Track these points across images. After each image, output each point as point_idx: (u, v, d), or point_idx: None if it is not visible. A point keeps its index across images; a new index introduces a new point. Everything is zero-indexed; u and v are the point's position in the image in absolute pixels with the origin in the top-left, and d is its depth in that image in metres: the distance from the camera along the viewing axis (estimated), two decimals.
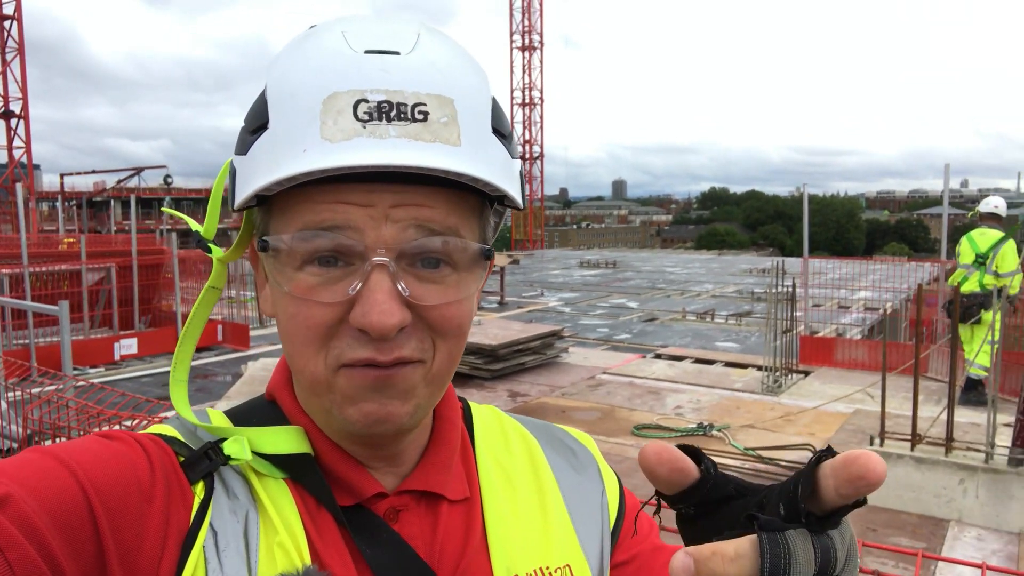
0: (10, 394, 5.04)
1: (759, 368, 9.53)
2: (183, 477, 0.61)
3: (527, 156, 49.36)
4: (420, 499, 0.69)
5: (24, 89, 34.24)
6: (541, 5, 47.78)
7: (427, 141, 0.56)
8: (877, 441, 5.62)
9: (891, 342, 10.69)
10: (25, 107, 34.34)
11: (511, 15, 47.76)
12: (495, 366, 9.45)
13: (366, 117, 0.55)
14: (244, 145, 0.61)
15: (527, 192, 49.38)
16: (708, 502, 0.47)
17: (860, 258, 14.80)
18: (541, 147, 49.86)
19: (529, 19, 47.74)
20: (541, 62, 48.44)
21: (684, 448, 0.47)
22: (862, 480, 0.40)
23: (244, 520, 0.61)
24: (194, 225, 0.71)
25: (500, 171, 0.61)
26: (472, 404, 0.82)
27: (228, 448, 0.63)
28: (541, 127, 49.43)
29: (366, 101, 0.55)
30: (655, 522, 0.81)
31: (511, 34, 48.14)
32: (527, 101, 48.63)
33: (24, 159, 34.49)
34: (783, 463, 6.20)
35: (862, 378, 9.38)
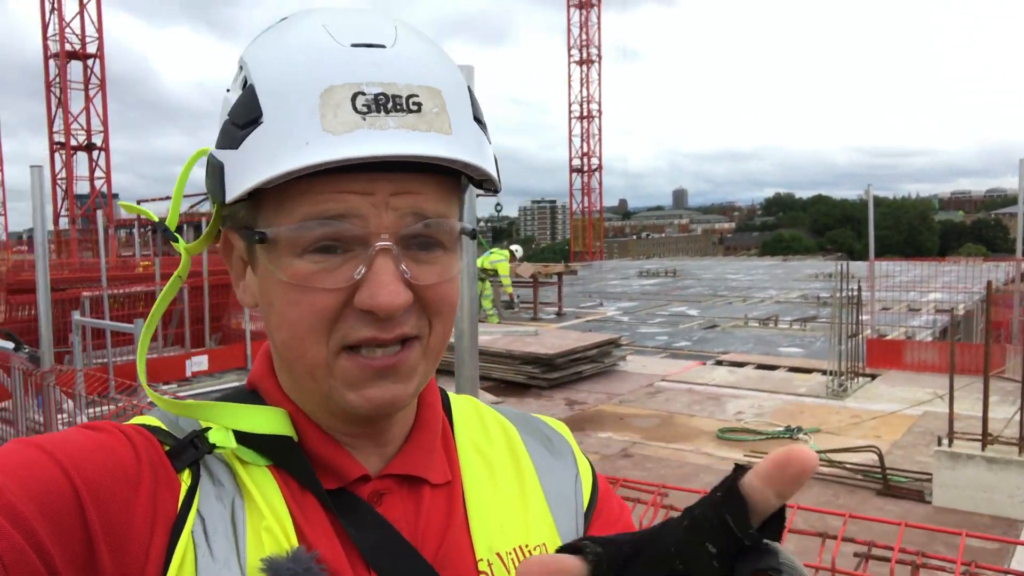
0: (90, 409, 5.33)
1: (824, 372, 9.31)
2: (168, 466, 0.62)
3: (585, 168, 49.34)
4: (403, 483, 0.70)
5: (105, 123, 36.06)
6: (599, 19, 47.88)
7: (423, 131, 0.59)
8: (945, 442, 5.45)
9: (964, 343, 10.30)
10: (106, 140, 36.15)
11: (568, 30, 48.02)
12: (552, 375, 9.48)
13: (365, 109, 0.57)
14: (233, 139, 0.61)
15: (585, 204, 49.42)
16: None
17: (931, 259, 14.29)
18: (600, 159, 49.78)
19: (587, 33, 47.88)
20: (599, 75, 48.47)
21: (562, 547, 0.45)
22: (804, 474, 0.40)
23: (231, 506, 0.62)
24: (154, 217, 0.72)
25: (484, 156, 0.64)
26: (450, 393, 0.84)
27: (213, 437, 0.65)
28: (600, 139, 49.38)
29: (363, 94, 0.57)
30: (627, 506, 0.86)
31: (568, 48, 48.35)
32: (585, 114, 48.67)
33: (104, 189, 36.26)
34: (849, 465, 6.05)
35: (932, 381, 9.07)
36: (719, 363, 11.10)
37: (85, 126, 35.53)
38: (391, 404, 0.64)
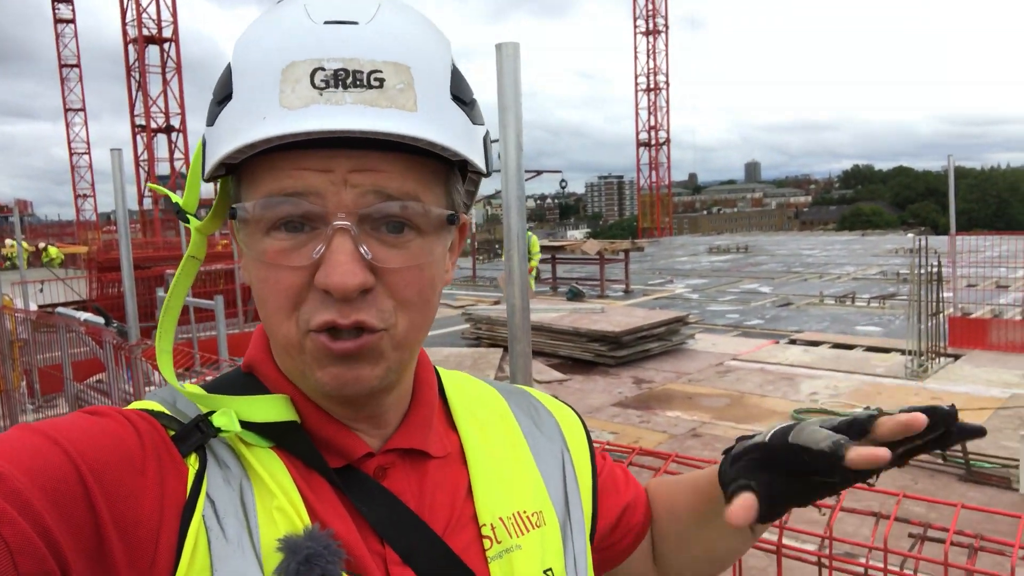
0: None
1: (903, 352, 8.98)
2: (174, 450, 0.62)
3: (652, 142, 48.52)
4: (405, 456, 0.72)
5: (182, 105, 37.31)
6: None
7: (382, 107, 0.57)
8: None
9: None
10: (183, 121, 37.44)
11: (634, 0, 47.01)
12: (619, 353, 9.43)
13: (323, 85, 0.57)
14: (212, 117, 0.62)
15: (653, 179, 48.65)
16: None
17: (1021, 232, 13.53)
18: (668, 132, 48.85)
19: (653, 2, 46.83)
20: (666, 45, 47.41)
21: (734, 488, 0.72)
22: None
23: (239, 489, 0.63)
24: (174, 198, 0.71)
25: (459, 136, 0.62)
26: (441, 370, 0.85)
27: (217, 420, 0.65)
28: (667, 112, 48.43)
29: (323, 69, 0.57)
30: (609, 457, 0.93)
31: (634, 19, 47.43)
32: (652, 86, 47.76)
33: (184, 169, 37.58)
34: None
35: (1020, 361, 8.65)
36: (792, 342, 10.83)
37: (163, 109, 36.85)
38: (356, 383, 0.63)
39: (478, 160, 0.65)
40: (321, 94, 0.57)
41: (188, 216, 0.69)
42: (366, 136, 0.57)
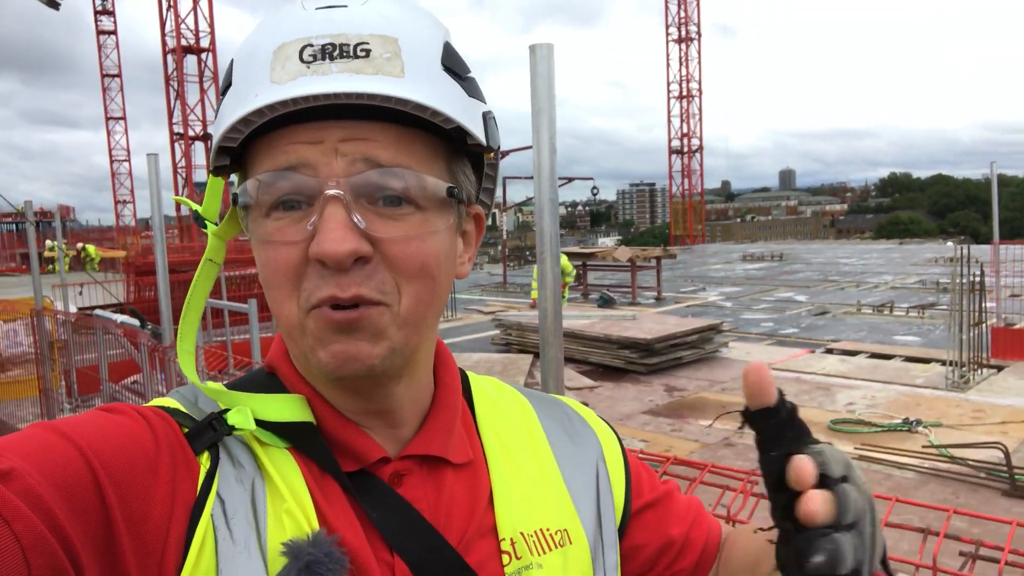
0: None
1: (944, 363, 8.75)
2: (188, 448, 0.62)
3: (685, 150, 48.21)
4: (423, 463, 0.70)
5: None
6: None
7: (368, 74, 0.58)
8: None
9: None
10: None
11: (666, 7, 46.84)
12: (650, 360, 9.34)
13: (310, 59, 0.58)
14: (218, 108, 0.64)
15: (686, 186, 48.32)
16: (775, 435, 0.57)
17: None
18: (700, 139, 48.50)
19: (685, 9, 46.60)
20: (699, 52, 47.13)
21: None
22: (797, 482, 0.53)
23: (251, 489, 0.62)
24: (193, 206, 0.71)
25: (451, 103, 0.61)
26: (470, 374, 0.83)
27: (232, 418, 0.64)
28: (700, 119, 48.09)
29: (311, 45, 0.58)
30: (655, 473, 0.88)
31: (666, 27, 47.22)
32: (684, 94, 47.49)
33: None
34: (972, 462, 5.68)
35: None
36: (829, 351, 10.63)
37: (201, 117, 37.49)
38: (356, 359, 0.62)
39: (475, 130, 0.64)
40: (309, 67, 0.58)
41: (206, 222, 0.69)
42: (351, 102, 0.58)
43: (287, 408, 0.67)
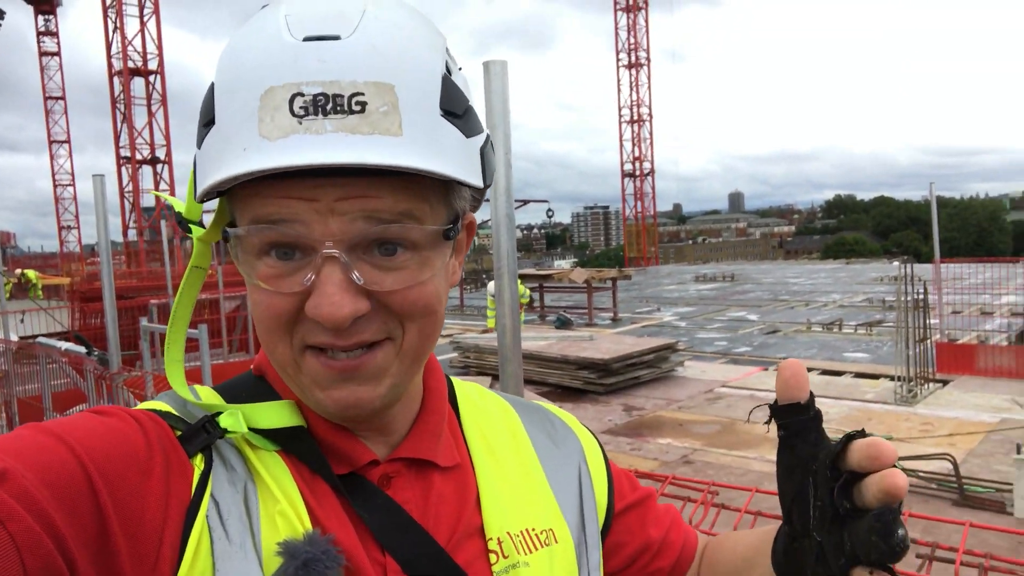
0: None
1: (892, 378, 8.99)
2: (181, 450, 0.62)
3: (637, 173, 48.97)
4: (411, 466, 0.71)
5: (167, 137, 37.29)
6: (647, 22, 47.51)
7: (365, 134, 0.55)
8: None
9: None
10: (169, 153, 37.36)
11: (616, 34, 47.76)
12: (608, 380, 9.38)
13: (302, 112, 0.54)
14: (199, 138, 0.61)
15: (639, 209, 49.02)
16: (801, 431, 0.60)
17: (1004, 260, 13.68)
18: (652, 163, 49.32)
19: (635, 36, 47.57)
20: (648, 78, 48.07)
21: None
22: (876, 460, 0.56)
23: (243, 491, 0.62)
24: (178, 206, 0.68)
25: (451, 157, 0.59)
26: (455, 379, 0.84)
27: (224, 422, 0.64)
28: (651, 143, 48.94)
29: (302, 95, 0.54)
30: (635, 478, 0.90)
31: (617, 53, 48.10)
32: (635, 118, 48.32)
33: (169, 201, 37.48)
34: (922, 474, 5.82)
35: (1008, 387, 8.68)
36: None
37: (149, 141, 36.77)
38: (356, 406, 0.62)
39: (473, 177, 0.61)
40: (300, 123, 0.54)
41: (190, 226, 0.68)
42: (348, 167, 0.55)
43: (278, 415, 0.67)
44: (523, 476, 0.77)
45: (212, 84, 0.60)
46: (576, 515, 0.78)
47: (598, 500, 0.82)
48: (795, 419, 0.60)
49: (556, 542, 0.74)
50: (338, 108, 0.54)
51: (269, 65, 0.55)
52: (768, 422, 0.62)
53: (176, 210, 0.68)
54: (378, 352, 0.62)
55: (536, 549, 0.72)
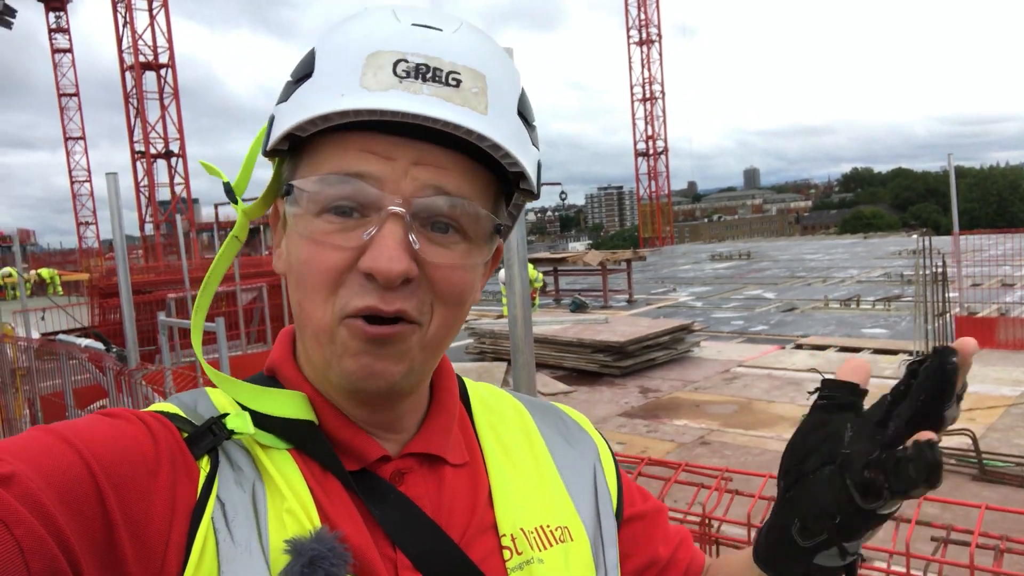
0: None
1: (911, 354, 8.91)
2: (187, 452, 0.62)
3: (650, 152, 48.62)
4: (423, 462, 0.71)
5: (181, 130, 37.46)
6: None
7: (457, 104, 0.59)
8: None
9: None
10: (182, 147, 37.55)
11: (627, 11, 47.24)
12: (624, 363, 9.38)
13: (404, 75, 0.59)
14: (287, 94, 0.64)
15: (653, 188, 48.71)
16: (844, 405, 0.64)
17: None
18: (665, 141, 48.93)
19: (645, 12, 47.05)
20: (660, 55, 47.59)
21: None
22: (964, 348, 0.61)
23: (251, 491, 0.63)
24: (223, 177, 0.71)
25: (520, 149, 0.63)
26: (467, 380, 0.84)
27: (231, 423, 0.65)
28: (664, 121, 48.54)
29: (406, 61, 0.59)
30: (647, 491, 0.89)
31: (627, 29, 47.61)
32: (648, 96, 47.91)
33: (184, 194, 37.72)
34: (944, 450, 5.77)
35: None
36: (799, 347, 10.77)
37: (162, 134, 36.95)
38: (380, 376, 0.64)
39: (532, 174, 0.66)
40: (401, 82, 0.59)
41: (236, 198, 0.70)
42: (438, 128, 0.59)
43: (289, 404, 0.67)
44: (536, 474, 0.77)
45: (312, 49, 0.64)
46: (592, 513, 0.78)
47: (612, 503, 0.82)
48: (842, 392, 0.64)
49: (571, 539, 0.74)
50: (436, 78, 0.59)
51: (378, 36, 0.60)
52: (814, 392, 0.65)
53: (223, 181, 0.70)
54: (408, 330, 0.63)
55: (551, 545, 0.72)
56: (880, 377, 8.56)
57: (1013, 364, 8.57)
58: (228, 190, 0.70)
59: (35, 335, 9.74)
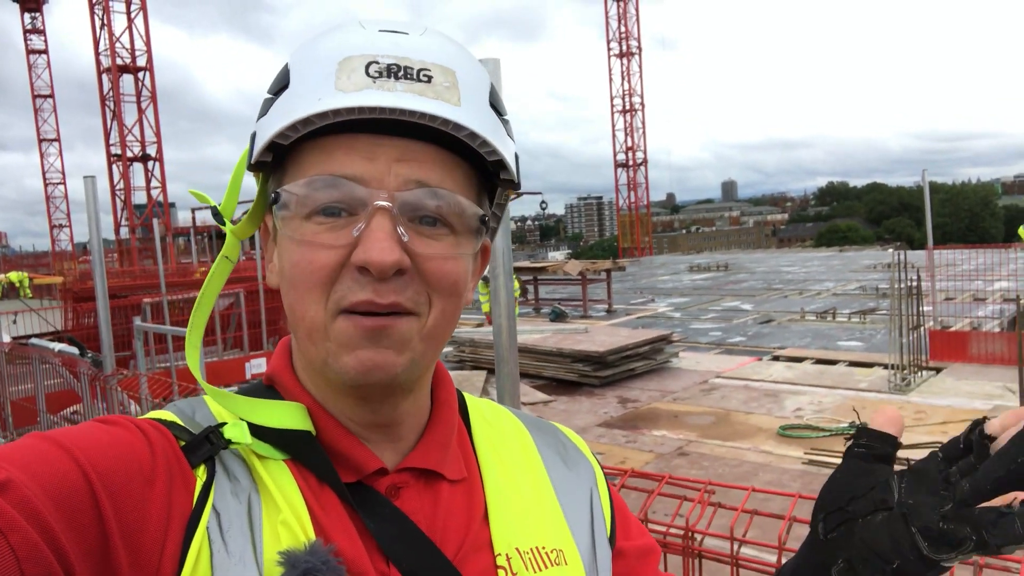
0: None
1: (886, 367, 9.03)
2: (184, 461, 0.62)
3: (630, 163, 48.96)
4: (420, 477, 0.71)
5: (158, 133, 37.11)
6: (637, 10, 47.43)
7: (431, 98, 0.61)
8: None
9: None
10: (159, 150, 37.20)
11: (607, 23, 47.68)
12: (604, 372, 9.40)
13: (376, 75, 0.61)
14: (266, 108, 0.65)
15: (632, 199, 49.03)
16: (878, 455, 0.63)
17: (996, 246, 13.72)
18: (644, 152, 49.30)
19: (625, 25, 47.48)
20: (640, 67, 48.02)
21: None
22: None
23: (247, 502, 0.62)
24: (211, 202, 0.72)
25: (497, 137, 0.65)
26: (467, 395, 0.84)
27: (229, 432, 0.65)
28: (644, 132, 48.91)
29: (377, 63, 0.61)
30: (642, 525, 0.87)
31: (607, 42, 48.02)
32: (628, 108, 48.27)
33: (161, 198, 37.34)
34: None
35: (1001, 374, 8.72)
36: (776, 358, 10.87)
37: (139, 138, 36.60)
38: (380, 368, 0.63)
39: (510, 162, 0.67)
40: (375, 82, 0.61)
41: (225, 220, 0.70)
42: (415, 121, 0.60)
43: (288, 415, 0.67)
44: (534, 494, 0.76)
45: (286, 64, 0.66)
46: (587, 539, 0.77)
47: (606, 530, 0.80)
48: (880, 443, 0.64)
49: (566, 563, 0.73)
50: (408, 75, 0.61)
51: (348, 44, 0.63)
52: (850, 437, 0.65)
53: (211, 205, 0.71)
54: (405, 321, 0.63)
55: (545, 568, 0.71)
56: (855, 389, 8.66)
57: (985, 378, 8.70)
58: (216, 213, 0.70)
59: (6, 339, 9.57)
